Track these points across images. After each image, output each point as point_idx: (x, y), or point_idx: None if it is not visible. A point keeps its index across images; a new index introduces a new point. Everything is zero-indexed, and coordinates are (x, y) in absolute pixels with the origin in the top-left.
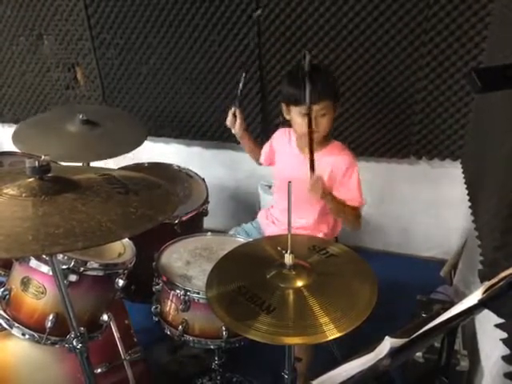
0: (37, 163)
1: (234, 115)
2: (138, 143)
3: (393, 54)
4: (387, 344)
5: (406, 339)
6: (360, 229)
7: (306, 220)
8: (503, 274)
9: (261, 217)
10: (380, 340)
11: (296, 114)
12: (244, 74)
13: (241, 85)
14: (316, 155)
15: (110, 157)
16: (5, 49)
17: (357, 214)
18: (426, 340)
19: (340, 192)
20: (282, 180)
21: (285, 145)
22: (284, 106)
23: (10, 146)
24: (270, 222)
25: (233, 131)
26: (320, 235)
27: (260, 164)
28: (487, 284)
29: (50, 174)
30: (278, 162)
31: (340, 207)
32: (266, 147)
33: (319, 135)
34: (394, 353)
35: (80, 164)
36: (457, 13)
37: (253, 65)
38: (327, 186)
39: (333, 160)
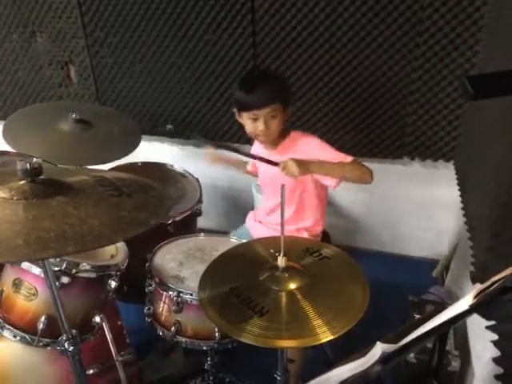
0: (28, 165)
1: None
2: (129, 152)
3: (387, 55)
4: (378, 349)
5: (397, 344)
6: (372, 180)
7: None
8: (495, 278)
9: (249, 219)
10: (372, 341)
11: (246, 119)
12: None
13: None
14: (276, 152)
15: (102, 163)
16: None
17: (357, 166)
18: (417, 345)
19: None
20: (262, 180)
21: (258, 147)
22: (236, 111)
23: (2, 146)
24: (257, 222)
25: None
26: (304, 234)
27: (247, 172)
28: (478, 288)
29: (41, 177)
30: (258, 165)
31: (333, 166)
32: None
33: (271, 135)
34: (385, 358)
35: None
36: (451, 15)
37: (248, 64)
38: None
39: (295, 151)
